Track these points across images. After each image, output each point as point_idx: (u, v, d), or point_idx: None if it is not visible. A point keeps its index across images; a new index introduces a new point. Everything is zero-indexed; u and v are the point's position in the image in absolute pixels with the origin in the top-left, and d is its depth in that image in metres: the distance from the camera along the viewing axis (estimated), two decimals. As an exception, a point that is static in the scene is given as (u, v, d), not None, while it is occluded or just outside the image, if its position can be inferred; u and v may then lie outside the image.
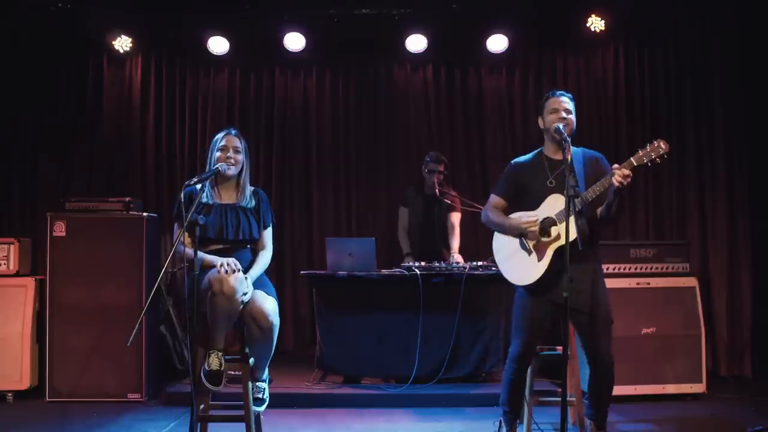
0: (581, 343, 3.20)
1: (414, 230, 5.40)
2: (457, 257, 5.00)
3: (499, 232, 3.35)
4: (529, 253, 3.23)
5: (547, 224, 3.18)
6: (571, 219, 2.86)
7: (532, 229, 3.16)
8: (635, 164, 2.96)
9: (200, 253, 3.04)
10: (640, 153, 2.98)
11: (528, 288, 3.23)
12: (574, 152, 3.22)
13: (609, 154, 3.48)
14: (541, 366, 3.51)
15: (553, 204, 3.18)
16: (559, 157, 3.27)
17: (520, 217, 3.23)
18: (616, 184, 2.94)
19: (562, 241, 3.09)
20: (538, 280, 3.17)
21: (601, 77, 5.96)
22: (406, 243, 5.43)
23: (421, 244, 5.35)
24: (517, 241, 3.28)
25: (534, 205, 3.24)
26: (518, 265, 3.26)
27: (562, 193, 3.13)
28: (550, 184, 3.23)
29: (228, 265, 3.02)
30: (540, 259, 3.18)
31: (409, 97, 6.16)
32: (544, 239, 3.17)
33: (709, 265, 5.48)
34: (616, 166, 2.98)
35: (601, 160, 3.29)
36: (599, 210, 3.17)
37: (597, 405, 3.24)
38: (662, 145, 2.95)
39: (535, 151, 3.39)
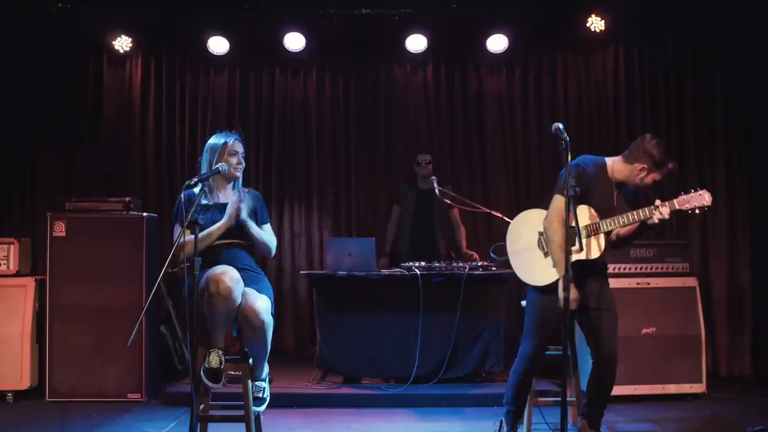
0: (588, 340, 3.21)
1: (406, 226, 5.39)
2: (474, 254, 5.04)
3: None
4: (545, 254, 3.23)
5: (571, 235, 3.16)
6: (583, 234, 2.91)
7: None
8: (677, 208, 2.96)
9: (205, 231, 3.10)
10: (683, 197, 2.96)
11: (542, 288, 3.23)
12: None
13: (609, 154, 3.46)
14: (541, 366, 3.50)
15: (581, 215, 3.13)
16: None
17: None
18: (656, 221, 2.96)
19: (581, 256, 3.10)
20: (552, 283, 3.16)
21: (601, 77, 5.95)
22: (389, 242, 5.51)
23: (412, 239, 5.34)
24: (535, 239, 3.28)
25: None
26: (532, 263, 3.26)
27: (595, 210, 3.17)
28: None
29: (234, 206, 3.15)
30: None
31: (409, 97, 6.16)
32: None
33: (709, 265, 5.48)
34: (658, 202, 2.98)
35: None
36: (617, 232, 3.19)
37: (594, 403, 3.23)
38: (706, 196, 2.92)
39: (599, 163, 3.36)
